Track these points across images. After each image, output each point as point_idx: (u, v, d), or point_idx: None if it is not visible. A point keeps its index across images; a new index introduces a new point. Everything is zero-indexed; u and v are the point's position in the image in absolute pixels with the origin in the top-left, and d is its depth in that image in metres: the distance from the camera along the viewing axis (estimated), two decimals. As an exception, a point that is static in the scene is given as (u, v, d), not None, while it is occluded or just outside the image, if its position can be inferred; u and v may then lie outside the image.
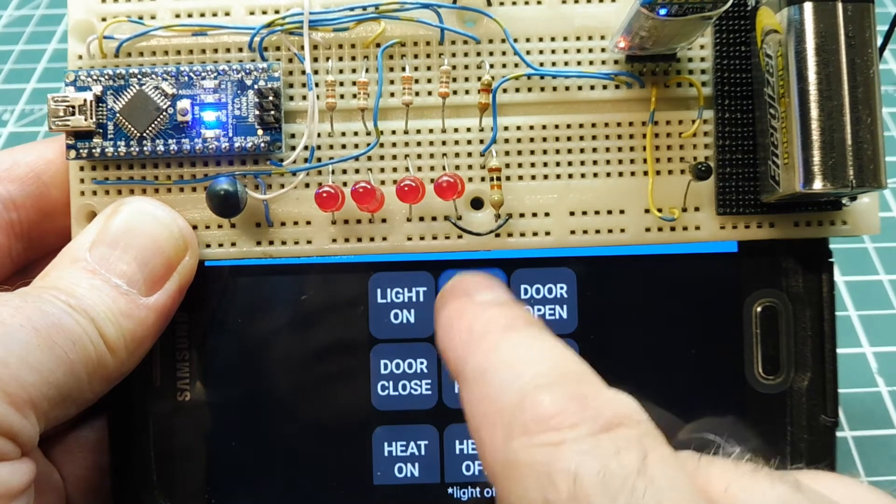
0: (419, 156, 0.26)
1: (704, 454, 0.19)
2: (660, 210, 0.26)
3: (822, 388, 0.26)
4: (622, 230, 0.26)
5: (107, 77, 0.26)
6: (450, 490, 0.27)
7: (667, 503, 0.16)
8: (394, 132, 0.26)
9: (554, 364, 0.20)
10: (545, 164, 0.26)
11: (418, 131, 0.26)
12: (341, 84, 0.26)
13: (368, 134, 0.26)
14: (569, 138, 0.26)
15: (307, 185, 0.26)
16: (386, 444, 0.27)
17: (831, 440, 0.26)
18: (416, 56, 0.26)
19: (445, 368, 0.27)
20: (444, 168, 0.26)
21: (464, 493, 0.27)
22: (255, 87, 0.26)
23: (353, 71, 0.26)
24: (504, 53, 0.26)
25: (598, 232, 0.26)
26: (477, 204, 0.26)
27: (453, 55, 0.26)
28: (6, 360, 0.20)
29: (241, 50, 0.26)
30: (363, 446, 0.27)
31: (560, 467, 0.17)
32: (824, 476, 0.20)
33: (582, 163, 0.26)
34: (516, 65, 0.26)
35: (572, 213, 0.26)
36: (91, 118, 0.25)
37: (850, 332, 0.38)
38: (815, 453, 0.26)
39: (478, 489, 0.27)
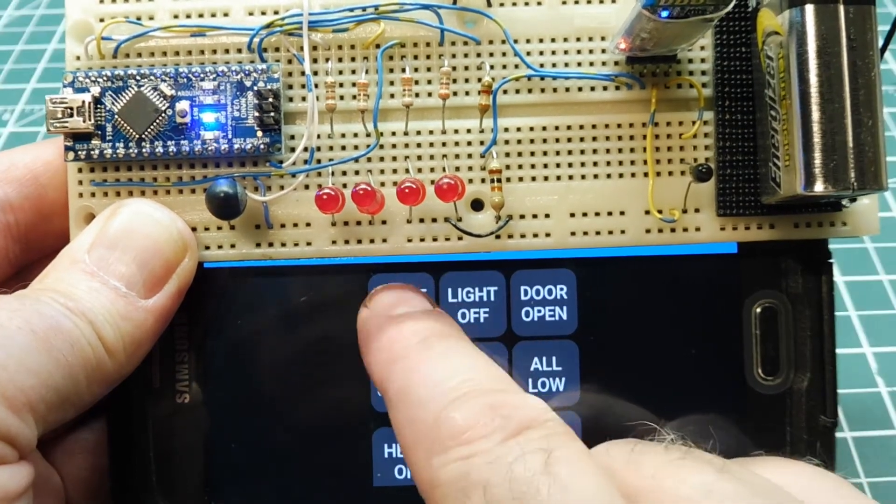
0: (419, 157, 0.26)
1: (639, 442, 0.20)
2: (660, 211, 0.26)
3: (821, 388, 0.26)
4: (622, 231, 0.26)
5: (105, 78, 0.26)
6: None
7: (573, 501, 0.17)
8: (394, 133, 0.26)
9: (466, 376, 0.20)
10: (545, 166, 0.26)
11: (418, 133, 0.26)
12: (341, 85, 0.26)
13: (368, 135, 0.26)
14: (569, 139, 0.26)
15: (307, 187, 0.26)
16: (386, 445, 0.27)
17: (831, 441, 0.26)
18: (416, 57, 0.26)
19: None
20: (444, 169, 0.26)
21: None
22: (255, 88, 0.25)
23: (353, 72, 0.26)
24: (504, 54, 0.26)
25: (598, 233, 0.26)
26: (477, 205, 0.26)
27: (453, 56, 0.26)
28: (4, 364, 0.20)
29: (240, 51, 0.26)
30: (363, 448, 0.27)
31: (472, 480, 0.17)
32: (772, 461, 0.20)
33: (582, 164, 0.26)
34: (517, 66, 0.26)
35: (573, 215, 0.26)
36: (89, 119, 0.25)
37: (850, 333, 0.38)
38: (814, 454, 0.26)
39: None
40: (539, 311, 0.27)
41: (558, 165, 0.26)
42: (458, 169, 0.26)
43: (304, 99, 0.26)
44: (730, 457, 0.20)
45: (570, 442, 0.18)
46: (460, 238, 0.26)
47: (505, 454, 0.18)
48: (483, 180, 0.26)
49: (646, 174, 0.26)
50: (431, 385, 0.20)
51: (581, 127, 0.26)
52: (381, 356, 0.22)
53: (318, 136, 0.26)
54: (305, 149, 0.26)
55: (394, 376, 0.21)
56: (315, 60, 0.26)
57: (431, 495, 0.19)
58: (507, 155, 0.26)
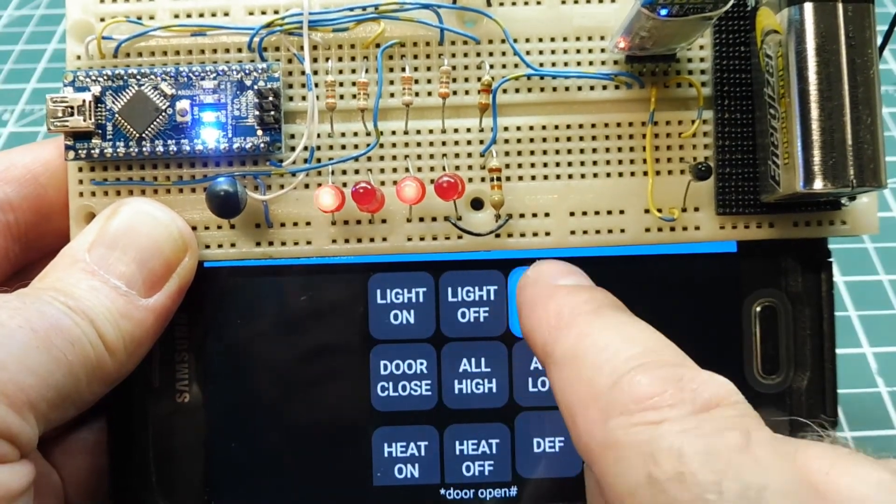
0: (419, 156, 0.26)
1: (801, 437, 0.19)
2: (659, 210, 0.26)
3: (821, 387, 0.26)
4: (622, 230, 0.26)
5: (105, 77, 0.26)
6: (450, 491, 0.27)
7: (772, 483, 0.16)
8: (394, 132, 0.26)
9: (647, 347, 0.20)
10: (545, 165, 0.26)
11: (418, 132, 0.26)
12: (341, 84, 0.26)
13: (368, 134, 0.26)
14: (569, 139, 0.26)
15: (307, 186, 0.26)
16: (386, 444, 0.27)
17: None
18: (415, 56, 0.26)
19: (445, 369, 0.27)
20: (444, 168, 0.26)
21: (464, 493, 0.27)
22: (255, 87, 0.26)
23: (353, 71, 0.26)
24: (504, 54, 0.26)
25: (598, 232, 0.26)
26: (477, 204, 0.26)
27: (453, 55, 0.26)
28: (5, 363, 0.20)
29: (240, 50, 0.26)
30: (363, 447, 0.27)
31: (663, 445, 0.17)
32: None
33: (582, 163, 0.26)
34: (516, 65, 0.26)
35: (572, 214, 0.26)
36: (90, 119, 0.25)
37: (850, 332, 0.38)
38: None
39: (477, 490, 0.27)
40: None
41: (558, 164, 0.26)
42: (457, 168, 0.26)
43: (304, 98, 0.26)
44: None
45: (762, 426, 0.18)
46: (460, 237, 0.26)
47: (700, 426, 0.17)
48: (483, 179, 0.26)
49: (645, 173, 0.26)
50: (611, 349, 0.20)
51: (580, 126, 0.26)
52: (548, 320, 0.21)
53: (318, 136, 0.26)
54: (305, 148, 0.26)
55: (566, 337, 0.20)
56: (315, 60, 0.26)
57: (603, 456, 0.18)
58: (507, 154, 0.26)
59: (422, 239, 0.26)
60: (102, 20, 0.26)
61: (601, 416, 0.18)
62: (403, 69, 0.26)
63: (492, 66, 0.26)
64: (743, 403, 0.19)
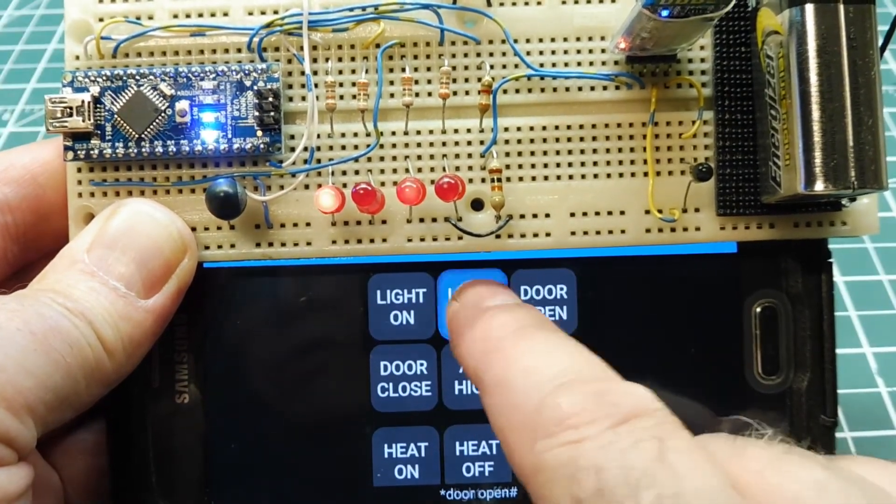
0: (419, 157, 0.26)
1: (738, 437, 0.19)
2: (660, 211, 0.26)
3: (821, 388, 0.26)
4: (622, 231, 0.26)
5: (104, 78, 0.25)
6: (450, 491, 0.27)
7: (688, 489, 0.16)
8: (394, 133, 0.26)
9: (568, 364, 0.20)
10: (545, 165, 0.26)
11: (418, 132, 0.26)
12: (341, 85, 0.26)
13: (368, 135, 0.26)
14: (569, 139, 0.26)
15: (307, 187, 0.26)
16: (386, 445, 0.27)
17: (831, 441, 0.26)
18: (415, 57, 0.26)
19: (445, 370, 0.27)
20: (444, 169, 0.26)
21: (464, 494, 0.27)
22: (255, 87, 0.25)
23: (353, 72, 0.26)
24: (504, 54, 0.26)
25: (598, 233, 0.26)
26: (477, 205, 0.26)
27: (453, 56, 0.26)
28: (3, 365, 0.20)
29: (239, 51, 0.26)
30: (363, 448, 0.27)
31: (583, 464, 0.17)
32: (865, 461, 0.20)
33: (582, 164, 0.26)
34: (516, 65, 0.26)
35: (573, 214, 0.26)
36: (89, 119, 0.25)
37: (850, 333, 0.38)
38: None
39: (477, 490, 0.27)
40: (540, 311, 0.27)
41: (558, 165, 0.26)
42: (458, 168, 0.26)
43: (303, 98, 0.26)
44: None
45: (680, 432, 0.18)
46: (460, 238, 0.26)
47: (617, 440, 0.17)
48: (483, 180, 0.26)
49: (646, 174, 0.26)
50: (533, 372, 0.20)
51: (581, 126, 0.26)
52: (476, 345, 0.22)
53: (318, 136, 0.26)
54: (305, 148, 0.26)
55: (492, 364, 0.21)
56: (315, 60, 0.26)
57: (534, 480, 0.18)
58: (507, 154, 0.26)
59: (422, 240, 0.26)
60: (101, 20, 0.26)
61: (529, 440, 0.19)
62: (403, 69, 0.26)
63: (492, 67, 0.26)
64: (661, 411, 0.19)
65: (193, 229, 0.26)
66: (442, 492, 0.27)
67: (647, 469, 0.17)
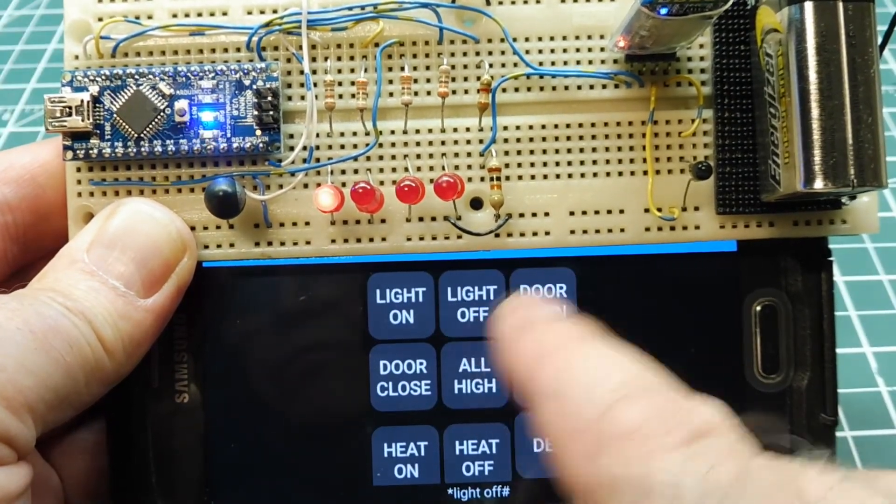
0: (419, 156, 0.26)
1: (796, 459, 0.19)
2: (659, 209, 0.26)
3: (821, 387, 0.26)
4: (622, 230, 0.26)
5: (104, 77, 0.25)
6: (450, 491, 0.27)
7: None
8: (393, 132, 0.26)
9: (632, 375, 0.19)
10: (545, 164, 0.26)
11: (417, 131, 0.26)
12: (340, 84, 0.26)
13: (367, 134, 0.26)
14: (568, 138, 0.26)
15: (306, 186, 0.26)
16: (385, 445, 0.27)
17: (831, 440, 0.26)
18: (414, 56, 0.26)
19: (445, 369, 0.27)
20: (443, 168, 0.26)
21: (464, 493, 0.27)
22: (254, 87, 0.25)
23: (352, 71, 0.26)
24: (503, 53, 0.26)
25: (597, 231, 0.26)
26: (476, 204, 0.26)
27: (452, 55, 0.26)
28: (3, 365, 0.20)
29: (238, 50, 0.26)
30: (362, 447, 0.27)
31: (658, 479, 0.17)
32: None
33: (581, 162, 0.26)
34: (515, 64, 0.26)
35: (572, 213, 0.26)
36: (88, 119, 0.25)
37: (850, 332, 0.38)
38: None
39: (477, 490, 0.27)
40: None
41: (557, 164, 0.26)
42: (457, 167, 0.26)
43: (303, 98, 0.26)
44: None
45: (757, 452, 0.18)
46: (460, 237, 0.26)
47: (694, 457, 0.17)
48: (482, 179, 0.26)
49: (645, 172, 0.26)
50: (595, 381, 0.19)
51: (580, 125, 0.26)
52: (528, 352, 0.21)
53: (318, 135, 0.26)
54: (304, 147, 0.26)
55: (546, 370, 0.20)
56: (314, 59, 0.26)
57: (595, 492, 0.18)
58: (507, 153, 0.26)
59: (421, 239, 0.26)
60: (100, 20, 0.26)
61: (590, 450, 0.18)
62: (402, 68, 0.26)
63: (491, 66, 0.26)
64: (736, 429, 0.18)
65: (193, 229, 0.26)
66: (442, 491, 0.27)
67: (728, 490, 0.16)
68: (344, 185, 0.26)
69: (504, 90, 0.26)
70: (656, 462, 0.17)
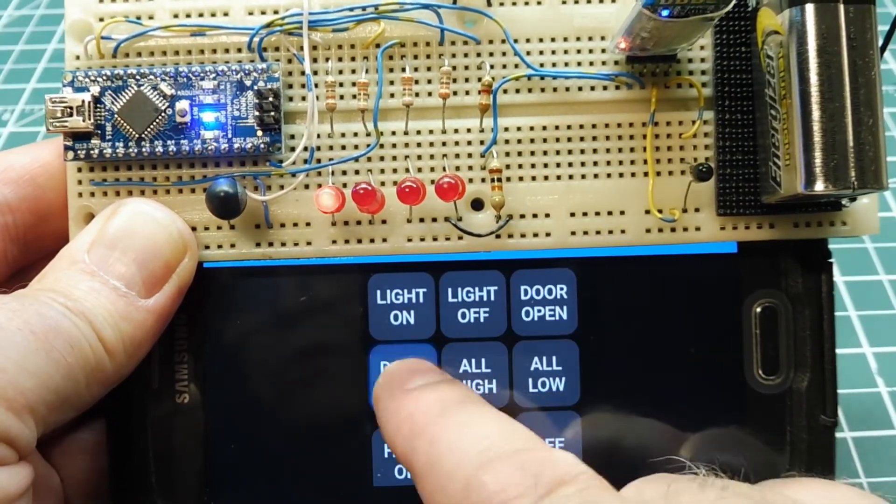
0: (419, 157, 0.26)
1: (673, 479, 0.20)
2: (660, 211, 0.26)
3: (821, 388, 0.26)
4: (622, 231, 0.26)
5: (105, 78, 0.25)
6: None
7: None
8: (394, 133, 0.26)
9: (491, 440, 0.20)
10: (546, 165, 0.26)
11: (418, 132, 0.26)
12: (341, 85, 0.26)
13: (368, 135, 0.26)
14: (569, 139, 0.26)
15: (307, 187, 0.26)
16: (385, 445, 0.27)
17: (831, 441, 0.26)
18: (416, 57, 0.26)
19: (444, 370, 0.27)
20: (444, 169, 0.26)
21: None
22: (255, 87, 0.25)
23: (353, 71, 0.26)
24: (504, 54, 0.26)
25: (598, 233, 0.26)
26: (477, 205, 0.26)
27: (453, 56, 0.26)
28: (4, 365, 0.20)
29: (240, 50, 0.26)
30: (363, 448, 0.27)
31: None
32: (810, 483, 0.21)
33: (582, 164, 0.26)
34: (516, 65, 0.26)
35: (573, 214, 0.26)
36: (89, 119, 0.25)
37: (850, 333, 0.38)
38: (814, 454, 0.26)
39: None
40: (539, 311, 0.27)
41: (558, 165, 0.26)
42: (458, 168, 0.26)
43: (304, 98, 0.26)
44: (733, 462, 0.20)
45: (605, 494, 0.19)
46: (460, 238, 0.26)
47: None
48: (483, 180, 0.26)
49: (646, 174, 0.26)
50: (458, 453, 0.20)
51: (581, 126, 0.26)
52: (402, 431, 0.22)
53: (319, 136, 0.26)
54: (305, 148, 0.26)
55: (419, 449, 0.21)
56: (315, 60, 0.26)
57: None
58: (508, 154, 0.26)
59: (422, 240, 0.26)
60: (101, 20, 0.26)
61: None
62: (403, 69, 0.26)
63: (492, 67, 0.26)
64: (585, 474, 0.19)
65: (193, 229, 0.26)
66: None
67: None
68: (345, 185, 0.26)
69: (505, 91, 0.26)
70: None
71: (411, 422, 0.22)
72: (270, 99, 0.25)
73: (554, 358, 0.27)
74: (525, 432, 0.21)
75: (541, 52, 0.26)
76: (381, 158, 0.26)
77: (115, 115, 0.25)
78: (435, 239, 0.26)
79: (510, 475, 0.19)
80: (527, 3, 0.26)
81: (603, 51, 0.26)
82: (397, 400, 0.23)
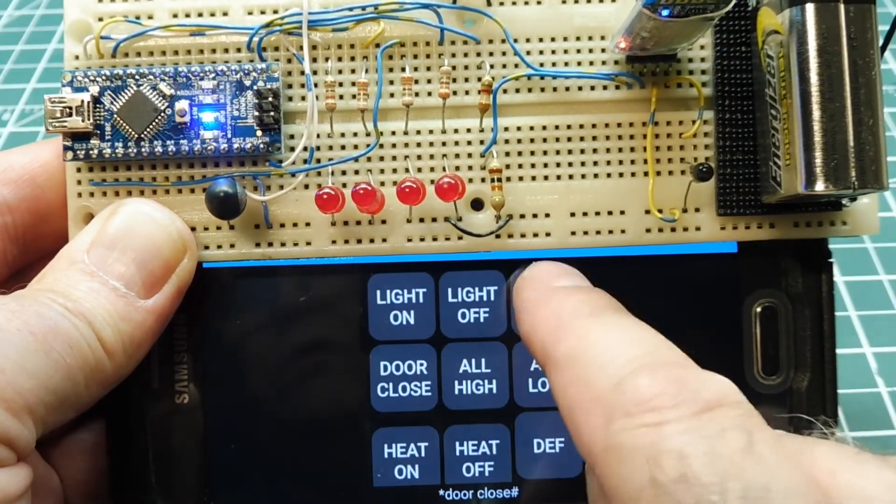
0: (419, 157, 0.26)
1: (807, 436, 0.19)
2: (660, 211, 0.26)
3: (821, 388, 0.26)
4: (622, 231, 0.26)
5: (104, 77, 0.25)
6: (450, 492, 0.27)
7: (775, 483, 0.16)
8: (394, 133, 0.26)
9: (647, 348, 0.20)
10: (545, 165, 0.26)
11: (418, 132, 0.26)
12: (341, 84, 0.26)
13: (368, 135, 0.26)
14: (569, 139, 0.26)
15: (307, 187, 0.26)
16: (386, 445, 0.27)
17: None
18: (415, 56, 0.26)
19: (445, 370, 0.27)
20: (444, 169, 0.26)
21: (464, 494, 0.27)
22: (254, 87, 0.25)
23: (353, 71, 0.26)
24: (504, 54, 0.26)
25: (598, 233, 0.26)
26: (477, 205, 0.26)
27: (453, 55, 0.26)
28: (3, 366, 0.20)
29: (239, 50, 0.26)
30: (363, 448, 0.27)
31: (665, 448, 0.17)
32: None
33: (582, 163, 0.26)
34: (516, 65, 0.26)
35: (573, 214, 0.26)
36: (88, 119, 0.25)
37: (850, 333, 0.38)
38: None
39: (478, 491, 0.27)
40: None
41: (558, 165, 0.26)
42: (458, 168, 0.26)
43: (303, 98, 0.26)
44: None
45: (764, 426, 0.18)
46: (460, 238, 0.26)
47: (702, 427, 0.17)
48: (483, 180, 0.26)
49: (646, 173, 0.26)
50: (611, 351, 0.19)
51: (581, 126, 0.26)
52: (547, 322, 0.21)
53: (318, 136, 0.26)
54: (305, 148, 0.26)
55: (565, 339, 0.20)
56: (315, 60, 0.26)
57: (605, 459, 0.18)
58: (508, 154, 0.26)
59: (422, 240, 0.26)
60: (101, 20, 0.26)
61: (603, 418, 0.18)
62: (403, 69, 0.26)
63: (492, 66, 0.26)
64: (745, 403, 0.19)
65: (193, 229, 0.26)
66: (442, 492, 0.27)
67: (734, 459, 0.17)
68: (345, 185, 0.26)
69: (505, 91, 0.26)
70: (665, 431, 0.17)
71: (559, 315, 0.21)
72: (270, 99, 0.25)
73: (554, 358, 0.27)
74: (682, 353, 0.20)
75: (541, 52, 0.26)
76: (381, 158, 0.26)
77: (115, 115, 0.25)
78: (435, 239, 0.26)
79: (668, 384, 0.18)
80: (527, 3, 0.26)
81: (603, 50, 0.26)
82: (543, 294, 0.22)
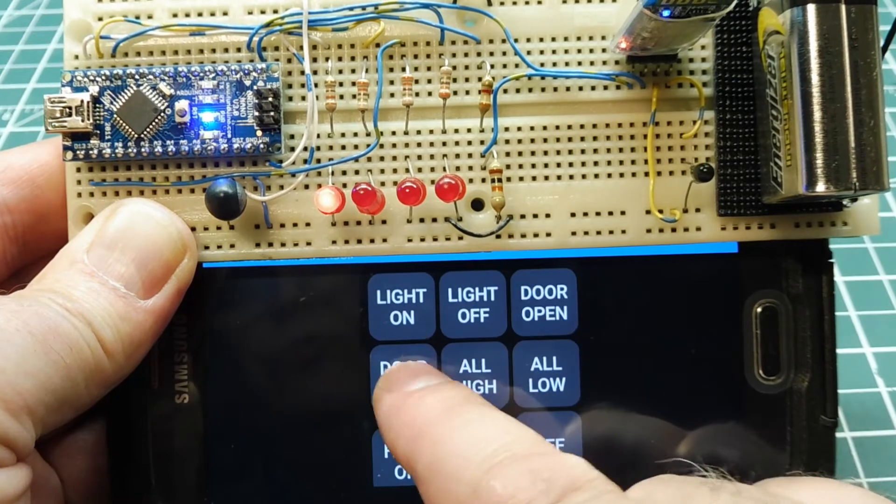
0: (420, 157, 0.26)
1: (683, 481, 0.19)
2: (661, 211, 0.26)
3: (821, 388, 0.26)
4: (623, 231, 0.26)
5: (104, 77, 0.25)
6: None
7: None
8: (394, 133, 0.26)
9: (498, 443, 0.20)
10: (546, 165, 0.26)
11: (419, 132, 0.26)
12: (341, 84, 0.26)
13: (368, 135, 0.26)
14: (570, 139, 0.26)
15: (307, 187, 0.26)
16: (386, 446, 0.27)
17: (831, 441, 0.26)
18: (416, 56, 0.26)
19: (444, 370, 0.27)
20: (444, 169, 0.26)
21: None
22: (254, 87, 0.25)
23: (353, 71, 0.26)
24: (504, 54, 0.26)
25: (598, 233, 0.26)
26: (478, 205, 0.26)
27: (453, 55, 0.26)
28: (2, 366, 0.20)
29: (239, 50, 0.26)
30: (363, 448, 0.27)
31: None
32: (817, 483, 0.20)
33: (583, 164, 0.26)
34: (517, 65, 0.26)
35: (573, 214, 0.26)
36: (88, 119, 0.25)
37: (850, 333, 0.38)
38: (814, 454, 0.26)
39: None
40: (539, 311, 0.27)
41: (559, 165, 0.26)
42: (458, 168, 0.26)
43: (303, 98, 0.26)
44: (734, 462, 0.19)
45: (620, 496, 0.18)
46: (460, 238, 0.26)
47: None
48: (483, 180, 0.26)
49: (646, 174, 0.26)
50: (464, 455, 0.20)
51: (582, 126, 0.26)
52: (404, 433, 0.22)
53: (318, 136, 0.26)
54: (305, 148, 0.26)
55: (422, 451, 0.21)
56: (315, 59, 0.26)
57: None
58: (508, 154, 0.26)
59: (422, 240, 0.26)
60: (100, 20, 0.26)
61: None
62: (404, 69, 0.26)
63: (492, 66, 0.26)
64: (598, 480, 0.19)
65: (193, 229, 0.26)
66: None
67: None
68: (345, 185, 0.26)
69: (505, 91, 0.26)
70: None
71: (413, 424, 0.22)
72: (270, 99, 0.25)
73: (554, 358, 0.27)
74: (533, 435, 0.21)
75: (541, 52, 0.26)
76: (381, 158, 0.26)
77: (115, 115, 0.25)
78: (435, 239, 0.26)
79: (520, 480, 0.18)
80: (527, 3, 0.26)
81: (603, 50, 0.26)
82: (398, 402, 0.23)
